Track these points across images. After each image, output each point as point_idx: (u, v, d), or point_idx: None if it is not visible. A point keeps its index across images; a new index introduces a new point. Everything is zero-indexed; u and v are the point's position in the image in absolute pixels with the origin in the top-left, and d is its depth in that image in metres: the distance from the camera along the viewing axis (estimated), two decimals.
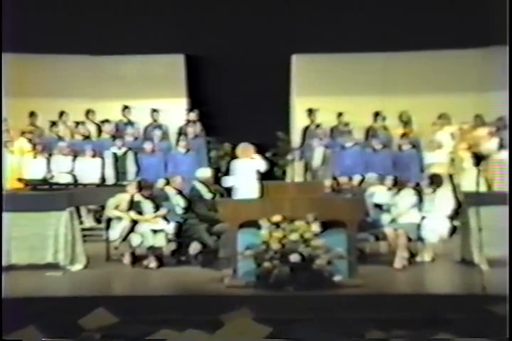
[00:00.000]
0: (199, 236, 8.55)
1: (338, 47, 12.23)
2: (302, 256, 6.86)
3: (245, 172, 9.31)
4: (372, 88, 12.34)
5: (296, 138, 12.43)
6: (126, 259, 8.59)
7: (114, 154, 11.52)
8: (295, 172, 11.82)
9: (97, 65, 12.64)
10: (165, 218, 8.71)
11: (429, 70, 12.26)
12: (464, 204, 8.50)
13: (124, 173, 11.42)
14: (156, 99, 12.44)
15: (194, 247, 8.55)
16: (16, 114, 11.53)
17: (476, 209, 7.24)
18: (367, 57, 12.45)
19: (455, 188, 10.48)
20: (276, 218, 7.00)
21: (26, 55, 11.75)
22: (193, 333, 5.20)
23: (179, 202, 8.91)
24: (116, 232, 8.57)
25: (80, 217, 10.04)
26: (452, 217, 8.68)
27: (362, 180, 10.01)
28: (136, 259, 8.60)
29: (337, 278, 6.95)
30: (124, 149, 11.57)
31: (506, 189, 9.25)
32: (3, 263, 7.83)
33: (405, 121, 12.03)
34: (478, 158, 10.18)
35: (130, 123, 12.32)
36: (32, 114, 11.99)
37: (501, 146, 10.76)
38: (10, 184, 10.48)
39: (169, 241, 8.64)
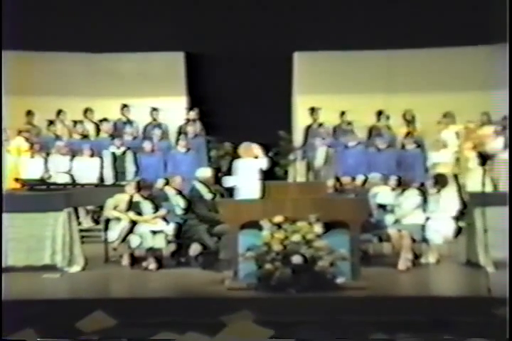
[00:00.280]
0: (199, 238, 8.55)
1: (341, 45, 12.23)
2: (304, 257, 6.86)
3: (247, 172, 9.31)
4: (375, 86, 12.34)
5: (298, 138, 12.42)
6: (125, 261, 8.59)
7: (113, 154, 11.53)
8: (297, 172, 11.81)
9: (96, 62, 12.65)
10: (164, 219, 8.72)
11: (434, 68, 12.25)
12: (469, 204, 8.49)
13: (122, 173, 11.43)
14: (155, 98, 12.43)
15: (194, 248, 8.55)
16: (13, 112, 11.53)
17: (482, 210, 7.24)
18: (370, 54, 12.44)
19: (460, 188, 10.47)
20: (278, 219, 7.00)
21: (22, 53, 11.76)
22: (193, 336, 5.21)
23: (179, 203, 8.91)
24: (114, 233, 8.57)
25: (78, 217, 10.03)
26: (457, 218, 8.68)
27: (365, 180, 9.99)
28: (135, 261, 8.60)
29: (340, 280, 6.95)
30: (122, 148, 11.57)
31: (506, 189, 9.24)
32: None
33: (409, 120, 12.03)
34: (484, 158, 10.15)
35: (129, 122, 12.32)
36: (29, 113, 12.00)
37: (507, 145, 10.76)
38: (6, 184, 10.48)
39: (169, 242, 8.64)
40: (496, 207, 7.72)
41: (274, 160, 11.53)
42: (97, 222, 10.72)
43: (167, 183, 9.44)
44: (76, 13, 11.88)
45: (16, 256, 8.06)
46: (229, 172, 10.56)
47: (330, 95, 12.37)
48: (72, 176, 11.19)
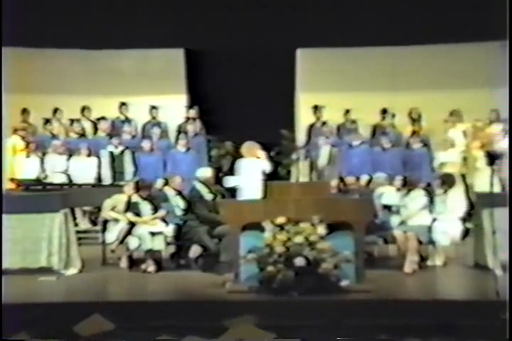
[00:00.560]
0: (199, 239, 8.54)
1: (345, 41, 12.22)
2: (307, 259, 6.85)
3: (250, 172, 9.31)
4: (380, 84, 12.33)
5: (301, 137, 12.43)
6: (123, 263, 8.59)
7: (111, 153, 11.53)
8: (300, 172, 11.80)
9: (93, 59, 12.65)
10: (164, 220, 8.71)
11: (441, 65, 12.24)
12: (477, 205, 8.48)
13: (121, 173, 11.43)
14: (154, 96, 12.44)
15: (194, 250, 8.55)
16: (8, 110, 11.51)
17: (490, 211, 7.23)
18: (375, 51, 12.44)
19: (468, 189, 10.46)
20: (280, 220, 7.00)
21: (18, 49, 11.73)
22: (193, 340, 5.20)
23: (179, 203, 8.91)
24: (112, 235, 8.57)
25: (74, 218, 10.04)
26: (465, 219, 8.68)
27: (370, 180, 9.99)
28: (134, 263, 8.59)
29: (344, 282, 6.94)
30: (121, 148, 11.57)
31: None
32: None
33: (415, 119, 12.02)
34: (492, 157, 10.14)
35: (127, 120, 12.32)
36: (24, 111, 12.00)
37: None
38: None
39: (168, 244, 8.64)
40: (504, 207, 7.71)
41: (277, 159, 11.55)
42: (94, 223, 10.71)
43: (166, 183, 9.44)
44: (74, 9, 11.87)
45: (11, 258, 8.05)
46: (230, 172, 10.56)
47: (333, 93, 12.36)
48: (68, 176, 11.20)
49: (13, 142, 11.29)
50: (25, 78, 11.77)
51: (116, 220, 8.62)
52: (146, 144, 11.60)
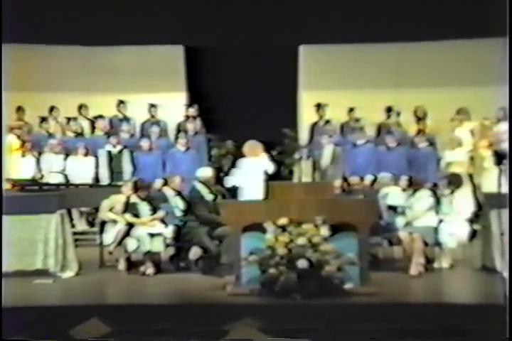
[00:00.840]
0: (199, 241, 8.54)
1: (348, 38, 12.21)
2: (310, 261, 6.85)
3: (252, 172, 9.31)
4: (385, 81, 12.33)
5: (303, 136, 12.42)
6: (122, 265, 8.59)
7: (109, 152, 11.53)
8: (302, 172, 11.81)
9: (91, 56, 12.65)
10: (163, 221, 8.71)
11: (447, 61, 12.23)
12: (484, 206, 8.48)
13: (119, 173, 11.44)
14: (153, 94, 12.44)
15: (194, 252, 8.55)
16: (3, 108, 11.51)
17: (498, 212, 7.23)
18: (380, 47, 12.43)
19: (475, 189, 10.46)
20: (283, 221, 7.00)
21: (13, 45, 11.73)
22: None
23: (178, 204, 8.91)
24: (110, 236, 8.57)
25: (71, 219, 10.05)
26: (472, 220, 8.68)
27: (374, 180, 9.99)
28: (132, 265, 8.60)
29: (348, 285, 6.94)
30: (119, 147, 11.58)
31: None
32: None
33: (421, 117, 12.02)
34: (500, 157, 10.13)
35: (126, 119, 12.33)
36: (19, 109, 12.00)
37: None
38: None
39: (167, 245, 8.64)
40: None
41: (279, 159, 11.55)
42: (91, 224, 10.72)
43: (166, 183, 9.44)
44: (70, 4, 11.88)
45: (6, 260, 8.04)
46: (231, 171, 10.54)
47: (337, 91, 12.36)
48: (65, 176, 11.20)
49: (9, 141, 11.29)
50: (21, 75, 11.77)
51: (114, 221, 8.62)
52: (144, 143, 11.60)
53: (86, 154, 11.38)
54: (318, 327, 6.00)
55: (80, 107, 12.31)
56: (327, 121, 12.19)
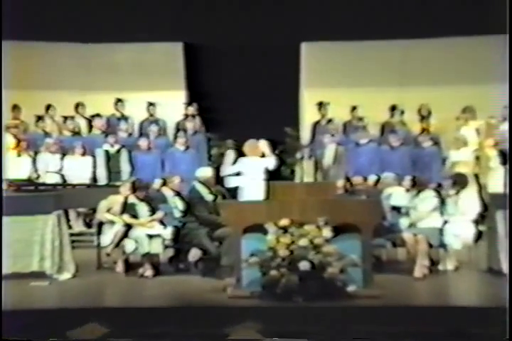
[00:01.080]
0: (199, 242, 8.54)
1: (351, 35, 12.21)
2: (312, 263, 6.85)
3: (252, 172, 9.31)
4: (389, 79, 12.33)
5: (305, 135, 12.43)
6: (119, 267, 8.59)
7: (106, 152, 11.54)
8: (304, 172, 11.80)
9: (88, 53, 12.65)
10: (162, 222, 8.72)
11: (452, 59, 12.23)
12: (490, 206, 8.47)
13: (117, 173, 11.44)
14: (152, 92, 12.45)
15: (194, 254, 8.55)
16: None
17: (504, 213, 7.22)
18: (383, 45, 12.43)
19: (481, 189, 10.44)
20: (284, 222, 7.00)
21: (8, 42, 11.72)
22: None
23: (177, 205, 8.91)
24: (108, 237, 8.58)
25: (68, 220, 10.04)
26: (478, 221, 8.66)
27: (378, 181, 9.99)
28: (130, 267, 8.60)
29: (351, 288, 6.94)
30: (117, 146, 11.58)
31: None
32: None
33: (425, 116, 12.01)
34: (506, 156, 10.14)
35: (124, 117, 12.34)
36: (15, 107, 12.00)
37: None
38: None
39: (166, 247, 8.64)
40: None
41: (280, 158, 11.54)
42: (89, 225, 10.73)
43: (164, 184, 9.44)
44: (67, 0, 11.87)
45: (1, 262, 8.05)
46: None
47: (340, 89, 12.36)
48: (62, 176, 11.21)
49: (4, 140, 11.29)
50: (16, 73, 11.75)
51: (112, 222, 8.63)
52: (143, 142, 11.61)
53: (83, 154, 11.38)
54: (320, 330, 6.00)
55: (77, 106, 12.32)
56: (329, 120, 12.20)
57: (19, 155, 11.24)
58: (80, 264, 8.47)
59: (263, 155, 9.34)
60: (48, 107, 12.14)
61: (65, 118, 12.07)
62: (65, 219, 8.71)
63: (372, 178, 10.19)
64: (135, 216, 8.67)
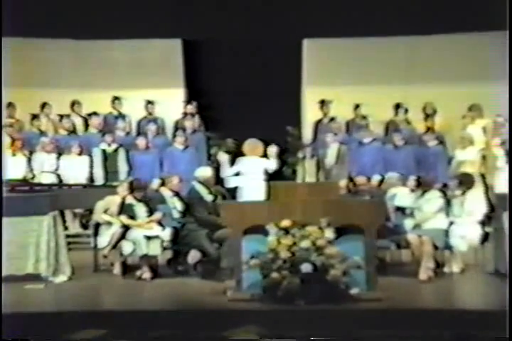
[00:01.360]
0: (198, 244, 8.55)
1: (354, 31, 12.21)
2: (314, 265, 6.85)
3: (252, 172, 9.32)
4: (393, 76, 12.33)
5: (307, 134, 12.43)
6: (117, 269, 8.60)
7: (103, 151, 11.54)
8: (306, 172, 11.81)
9: (84, 50, 12.65)
10: (160, 223, 8.72)
11: (458, 56, 12.22)
12: (497, 207, 8.47)
13: (114, 173, 11.45)
14: (150, 90, 12.45)
15: (193, 256, 8.56)
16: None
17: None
18: (388, 41, 12.43)
19: (487, 190, 10.45)
20: (286, 223, 7.00)
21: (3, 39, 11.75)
22: None
23: (176, 205, 8.92)
24: (105, 239, 8.58)
25: (64, 222, 10.04)
26: (484, 223, 8.66)
27: (381, 181, 9.99)
28: (128, 269, 8.60)
29: (354, 290, 6.94)
30: (114, 145, 11.58)
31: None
32: None
33: (430, 114, 12.01)
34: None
35: (121, 116, 12.34)
36: (9, 105, 12.00)
37: None
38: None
39: (165, 248, 8.64)
40: None
41: (282, 158, 11.55)
42: (85, 226, 10.73)
43: (163, 184, 9.45)
44: None
45: None
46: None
47: (342, 86, 12.36)
48: (58, 176, 11.21)
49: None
50: (11, 70, 11.77)
51: (109, 223, 8.63)
52: (141, 141, 11.61)
53: (80, 153, 11.39)
54: (322, 334, 6.00)
55: (73, 104, 12.32)
56: (332, 119, 12.20)
57: (14, 154, 11.24)
58: (76, 266, 8.48)
59: (263, 155, 9.36)
60: (44, 105, 12.14)
61: (61, 116, 12.07)
62: (60, 220, 8.72)
63: (375, 178, 10.18)
64: (133, 217, 8.67)
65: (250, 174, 9.56)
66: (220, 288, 7.43)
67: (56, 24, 12.02)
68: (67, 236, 9.10)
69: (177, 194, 9.06)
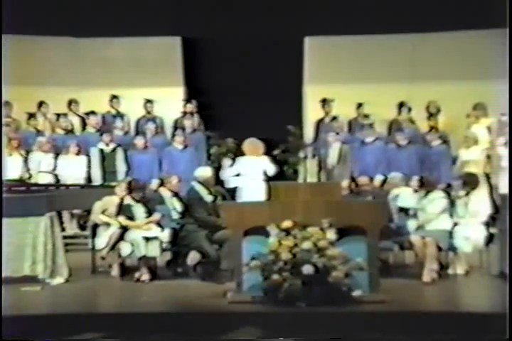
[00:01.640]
0: (198, 245, 8.55)
1: (357, 29, 12.22)
2: (316, 267, 6.85)
3: (252, 172, 9.32)
4: (396, 74, 12.33)
5: (308, 133, 12.43)
6: (115, 271, 8.60)
7: (101, 151, 11.55)
8: (308, 172, 11.82)
9: (82, 48, 12.66)
10: (159, 224, 8.72)
11: (463, 53, 12.22)
12: (502, 208, 8.47)
13: (112, 173, 11.46)
14: (148, 88, 12.46)
15: (192, 257, 8.56)
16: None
17: None
18: (391, 39, 12.44)
19: (492, 190, 10.45)
20: (287, 224, 7.00)
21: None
22: None
23: (175, 206, 8.92)
24: (103, 240, 8.58)
25: (61, 223, 10.05)
26: (489, 224, 8.66)
27: (384, 181, 10.00)
28: (126, 271, 8.61)
29: (356, 292, 6.94)
30: (112, 145, 11.59)
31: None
32: None
33: (434, 113, 12.02)
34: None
35: (119, 115, 12.35)
36: (6, 104, 12.00)
37: None
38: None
39: (164, 250, 8.65)
40: None
41: (283, 158, 11.56)
42: (83, 227, 10.74)
43: (162, 184, 9.46)
44: None
45: None
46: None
47: (345, 85, 12.37)
48: (55, 176, 11.22)
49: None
50: (7, 68, 11.77)
51: (107, 224, 8.64)
52: (139, 141, 11.62)
53: (77, 153, 11.39)
54: (324, 337, 6.00)
55: (71, 103, 12.33)
56: (334, 118, 12.20)
57: (10, 154, 11.24)
58: (74, 268, 8.48)
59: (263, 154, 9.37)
60: (41, 104, 12.16)
61: (58, 115, 12.08)
62: (58, 221, 8.71)
63: (378, 178, 10.20)
64: (131, 218, 8.67)
65: (250, 174, 9.55)
66: (220, 290, 7.43)
67: (54, 22, 12.02)
68: (65, 237, 9.12)
69: (176, 194, 9.06)
